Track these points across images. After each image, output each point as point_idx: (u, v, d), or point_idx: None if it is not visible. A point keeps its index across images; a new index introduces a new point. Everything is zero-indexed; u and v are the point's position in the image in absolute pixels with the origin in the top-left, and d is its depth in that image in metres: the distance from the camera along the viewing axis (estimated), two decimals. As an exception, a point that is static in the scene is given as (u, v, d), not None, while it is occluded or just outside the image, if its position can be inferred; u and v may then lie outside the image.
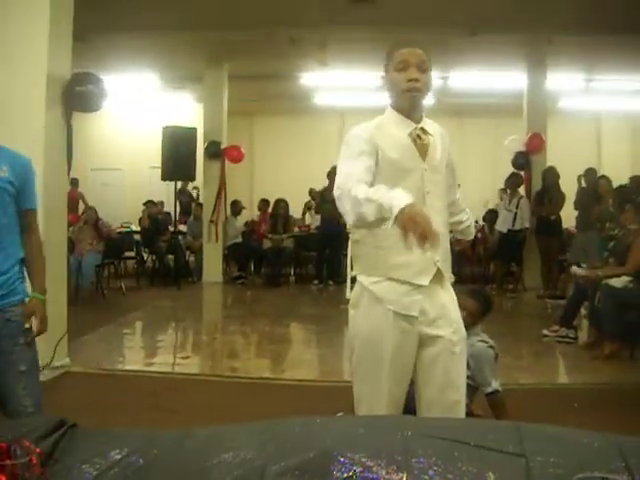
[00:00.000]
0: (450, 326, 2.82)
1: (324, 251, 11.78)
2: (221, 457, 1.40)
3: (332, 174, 11.68)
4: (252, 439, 1.49)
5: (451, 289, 2.92)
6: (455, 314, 2.89)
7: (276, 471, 1.33)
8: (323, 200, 11.59)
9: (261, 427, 1.54)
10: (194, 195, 13.82)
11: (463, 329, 2.90)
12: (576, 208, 10.19)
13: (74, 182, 13.60)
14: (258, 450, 1.41)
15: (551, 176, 10.46)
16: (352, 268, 2.96)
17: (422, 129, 2.84)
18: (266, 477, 1.32)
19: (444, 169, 2.90)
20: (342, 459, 1.33)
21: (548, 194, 10.43)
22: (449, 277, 2.90)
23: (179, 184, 12.18)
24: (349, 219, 2.56)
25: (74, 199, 13.06)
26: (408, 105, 2.83)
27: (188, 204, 13.21)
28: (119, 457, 1.48)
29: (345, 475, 1.30)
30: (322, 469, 1.33)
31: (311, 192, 13.22)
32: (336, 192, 2.60)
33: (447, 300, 2.86)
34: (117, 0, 8.31)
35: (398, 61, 2.79)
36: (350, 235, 2.92)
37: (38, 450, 1.45)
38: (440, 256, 2.77)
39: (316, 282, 11.69)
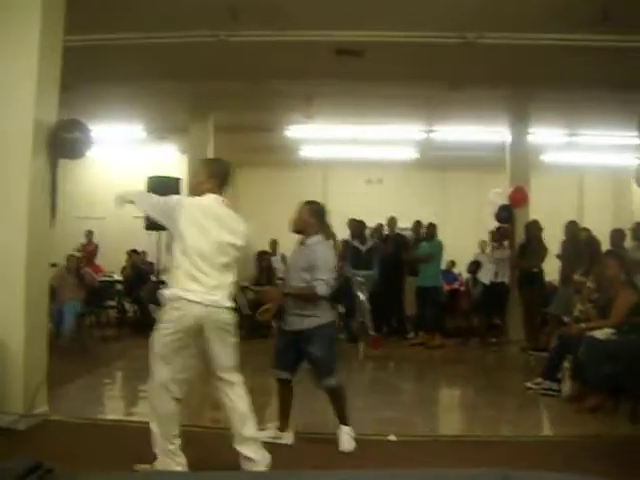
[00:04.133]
0: None
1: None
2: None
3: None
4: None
5: None
6: None
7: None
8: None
9: (242, 475, 1.51)
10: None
11: None
12: (559, 259, 10.24)
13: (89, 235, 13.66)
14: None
15: (533, 229, 10.53)
16: None
17: None
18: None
19: None
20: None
21: (530, 247, 10.48)
22: None
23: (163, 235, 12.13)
24: None
25: (91, 253, 13.13)
26: None
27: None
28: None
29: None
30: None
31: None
32: None
33: None
34: (103, 50, 8.36)
35: None
36: None
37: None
38: None
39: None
